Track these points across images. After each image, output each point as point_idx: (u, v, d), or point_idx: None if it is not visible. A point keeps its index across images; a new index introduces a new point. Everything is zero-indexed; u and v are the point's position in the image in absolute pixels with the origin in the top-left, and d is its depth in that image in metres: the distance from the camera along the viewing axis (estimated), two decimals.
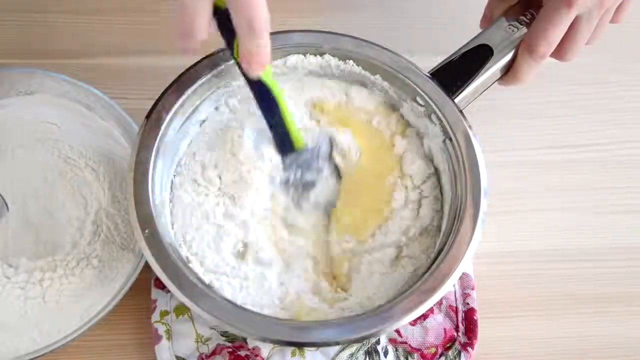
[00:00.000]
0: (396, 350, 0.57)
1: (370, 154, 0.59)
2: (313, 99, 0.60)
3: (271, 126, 0.55)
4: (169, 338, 0.56)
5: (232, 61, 0.54)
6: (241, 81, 0.59)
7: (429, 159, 0.59)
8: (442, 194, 0.58)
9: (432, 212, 0.57)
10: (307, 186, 0.57)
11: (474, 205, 0.53)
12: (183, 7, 0.48)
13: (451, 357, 0.57)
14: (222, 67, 0.57)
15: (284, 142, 0.56)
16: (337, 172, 0.59)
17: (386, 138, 0.60)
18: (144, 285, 0.57)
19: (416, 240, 0.56)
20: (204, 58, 0.57)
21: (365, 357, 0.56)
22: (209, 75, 0.57)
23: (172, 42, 0.67)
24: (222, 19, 0.49)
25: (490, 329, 0.59)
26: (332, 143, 0.58)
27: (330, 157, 0.58)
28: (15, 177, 0.60)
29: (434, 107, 0.57)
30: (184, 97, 0.56)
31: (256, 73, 0.51)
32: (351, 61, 0.59)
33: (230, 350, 0.56)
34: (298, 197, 0.57)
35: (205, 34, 0.49)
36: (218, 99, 0.59)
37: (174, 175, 0.57)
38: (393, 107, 0.60)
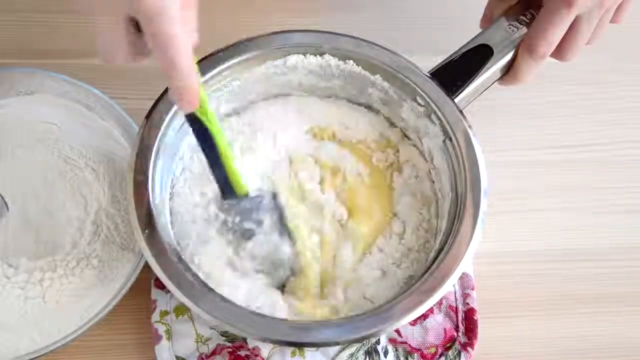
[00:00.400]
0: (396, 350, 0.57)
1: (368, 190, 0.59)
2: (313, 127, 0.61)
3: (210, 165, 0.52)
4: (169, 338, 0.56)
5: (226, 64, 0.54)
6: (241, 81, 0.59)
7: (425, 194, 0.59)
8: (442, 195, 0.58)
9: (418, 239, 0.57)
10: (245, 234, 0.55)
11: (474, 205, 0.53)
12: (99, 36, 0.46)
13: (451, 357, 0.57)
14: (222, 67, 0.57)
15: (224, 185, 0.53)
16: (288, 234, 0.56)
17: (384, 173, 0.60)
18: (144, 285, 0.57)
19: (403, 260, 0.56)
20: (203, 58, 0.57)
21: (365, 357, 0.56)
22: (208, 75, 0.57)
23: None
24: None
25: (490, 329, 0.59)
26: (275, 198, 0.56)
27: (275, 213, 0.56)
28: (15, 177, 0.60)
29: (434, 107, 0.57)
30: None
31: (186, 110, 0.48)
32: (351, 61, 0.59)
33: (230, 350, 0.56)
34: (236, 244, 0.55)
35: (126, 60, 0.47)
36: (218, 99, 0.59)
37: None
38: (388, 137, 0.61)
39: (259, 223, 0.55)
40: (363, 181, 0.59)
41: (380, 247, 0.57)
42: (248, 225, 0.55)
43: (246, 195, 0.54)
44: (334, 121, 0.61)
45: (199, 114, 0.49)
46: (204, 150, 0.51)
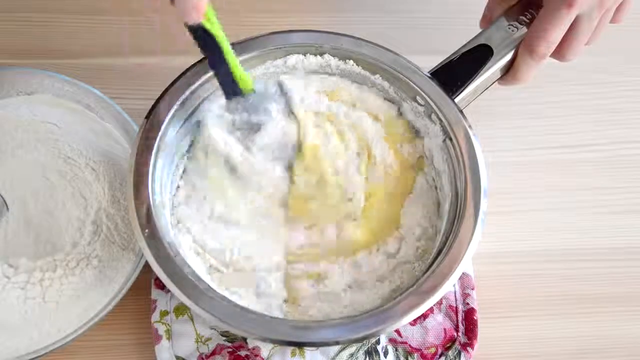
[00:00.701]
0: (396, 350, 0.57)
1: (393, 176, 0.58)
2: (325, 88, 0.61)
3: (216, 70, 0.54)
4: (169, 338, 0.56)
5: None
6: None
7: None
8: (442, 195, 0.58)
9: (416, 250, 0.56)
10: (254, 127, 0.56)
11: (474, 205, 0.53)
12: None
13: (451, 357, 0.57)
14: None
15: (230, 85, 0.55)
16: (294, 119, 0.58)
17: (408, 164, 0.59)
18: (144, 285, 0.57)
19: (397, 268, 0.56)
20: (203, 58, 0.57)
21: (365, 357, 0.56)
22: (208, 75, 0.57)
23: (172, 42, 0.68)
24: None
25: (490, 329, 0.59)
26: (281, 87, 0.58)
27: (280, 100, 0.58)
28: (15, 177, 0.60)
29: (434, 106, 0.57)
30: (183, 97, 0.56)
31: (192, 20, 0.49)
32: (351, 61, 0.59)
33: (230, 350, 0.56)
34: (245, 139, 0.56)
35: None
36: (218, 100, 0.59)
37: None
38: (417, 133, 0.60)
39: (267, 112, 0.56)
40: (388, 176, 0.58)
41: (360, 262, 0.56)
42: (256, 118, 0.56)
43: (252, 91, 0.56)
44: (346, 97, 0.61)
45: (204, 21, 0.50)
46: (207, 54, 0.53)
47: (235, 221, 0.56)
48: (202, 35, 0.51)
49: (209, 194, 0.56)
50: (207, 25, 0.50)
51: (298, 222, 0.56)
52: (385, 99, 0.60)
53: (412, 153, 0.59)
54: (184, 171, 0.58)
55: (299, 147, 0.57)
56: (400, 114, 0.60)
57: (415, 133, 0.60)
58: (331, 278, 0.55)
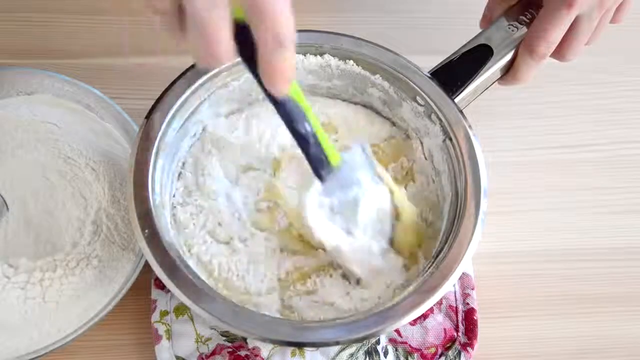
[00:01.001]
0: (396, 350, 0.57)
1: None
2: (324, 123, 0.60)
3: (305, 148, 0.49)
4: (169, 338, 0.56)
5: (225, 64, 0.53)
6: (241, 81, 0.59)
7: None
8: (442, 195, 0.58)
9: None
10: (351, 205, 0.52)
11: (474, 205, 0.53)
12: (202, 24, 0.39)
13: (451, 357, 0.57)
14: (222, 66, 0.57)
15: (321, 162, 0.50)
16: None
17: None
18: (144, 285, 0.57)
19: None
20: None
21: (365, 357, 0.56)
22: (209, 75, 0.57)
23: (173, 42, 0.68)
24: (240, 32, 0.41)
25: (490, 329, 0.59)
26: (364, 150, 0.54)
27: (367, 165, 0.54)
28: (15, 177, 0.60)
29: (434, 107, 0.57)
30: (184, 97, 0.56)
31: (283, 91, 0.42)
32: (351, 61, 0.59)
33: (230, 350, 0.56)
34: (347, 222, 0.53)
35: (232, 52, 0.41)
36: (217, 100, 0.59)
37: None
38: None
39: (359, 183, 0.53)
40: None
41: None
42: (351, 192, 0.52)
43: (341, 162, 0.51)
44: (340, 122, 0.61)
45: (289, 93, 0.46)
46: (294, 131, 0.48)
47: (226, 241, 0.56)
48: (287, 108, 0.47)
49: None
50: (294, 96, 0.46)
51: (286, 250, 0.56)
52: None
53: (399, 171, 0.60)
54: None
55: (397, 216, 0.55)
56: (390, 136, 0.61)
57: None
58: (323, 290, 0.54)
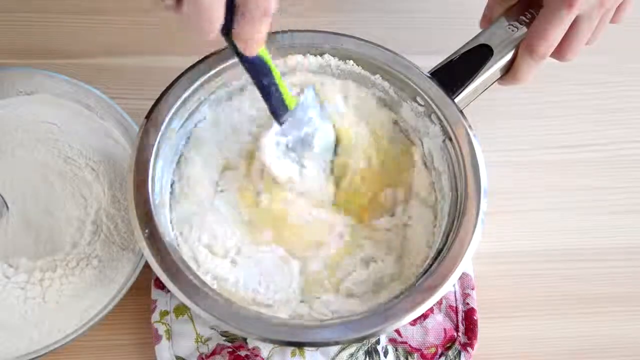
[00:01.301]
0: (396, 350, 0.57)
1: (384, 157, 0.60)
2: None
3: (267, 97, 0.54)
4: (169, 338, 0.56)
5: (226, 64, 0.55)
6: (241, 81, 0.59)
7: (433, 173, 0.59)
8: (442, 195, 0.58)
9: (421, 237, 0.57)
10: (306, 142, 0.57)
11: (474, 205, 0.53)
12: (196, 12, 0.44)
13: (451, 357, 0.57)
14: (222, 66, 0.57)
15: (281, 107, 0.55)
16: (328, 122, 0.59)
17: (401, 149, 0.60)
18: (144, 285, 0.57)
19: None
20: (204, 58, 0.57)
21: (365, 357, 0.56)
22: (209, 75, 0.57)
23: (172, 42, 0.68)
24: None
25: (490, 329, 0.59)
26: (315, 92, 0.58)
27: (317, 105, 0.58)
28: (15, 177, 0.60)
29: (434, 107, 0.57)
30: (184, 97, 0.56)
31: (254, 52, 0.49)
32: (351, 61, 0.59)
33: (230, 350, 0.56)
34: (301, 158, 0.57)
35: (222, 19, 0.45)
36: (217, 100, 0.59)
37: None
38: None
39: (311, 121, 0.57)
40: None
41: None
42: (304, 130, 0.57)
43: (296, 104, 0.56)
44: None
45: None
46: (259, 82, 0.53)
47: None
48: (255, 64, 0.51)
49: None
50: (262, 54, 0.51)
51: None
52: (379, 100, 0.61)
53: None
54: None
55: (336, 142, 0.59)
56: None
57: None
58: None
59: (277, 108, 0.55)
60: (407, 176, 0.59)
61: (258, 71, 0.52)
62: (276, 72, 0.53)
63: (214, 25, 0.45)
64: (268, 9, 0.45)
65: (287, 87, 0.55)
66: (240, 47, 0.48)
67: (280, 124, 0.56)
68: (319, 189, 0.58)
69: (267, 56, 0.51)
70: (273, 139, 0.56)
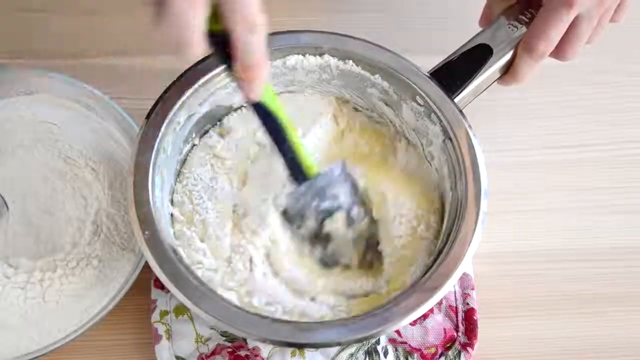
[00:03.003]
0: (396, 350, 0.57)
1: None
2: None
3: (279, 152, 0.53)
4: (169, 338, 0.56)
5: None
6: None
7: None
8: (442, 196, 0.58)
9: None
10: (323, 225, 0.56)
11: (474, 205, 0.53)
12: (172, 17, 0.43)
13: (451, 357, 0.57)
14: (222, 67, 0.57)
15: (295, 169, 0.54)
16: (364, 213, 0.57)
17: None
18: (144, 285, 0.57)
19: None
20: (204, 58, 0.57)
21: (365, 357, 0.56)
22: (209, 75, 0.57)
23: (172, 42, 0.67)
24: (218, 42, 0.45)
25: (490, 329, 0.59)
26: (345, 169, 0.57)
27: (348, 183, 0.57)
28: (15, 177, 0.60)
29: (434, 107, 0.57)
30: (184, 97, 0.56)
31: (256, 92, 0.48)
32: (351, 61, 0.59)
33: (230, 350, 0.56)
34: (314, 249, 0.56)
35: (202, 40, 0.44)
36: (218, 100, 0.59)
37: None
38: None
39: (335, 198, 0.55)
40: None
41: None
42: (325, 204, 0.55)
43: (317, 174, 0.54)
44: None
45: (265, 100, 0.50)
46: (271, 135, 0.52)
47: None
48: (264, 115, 0.51)
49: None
50: (270, 104, 0.50)
51: None
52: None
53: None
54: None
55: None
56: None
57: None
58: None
59: (291, 170, 0.54)
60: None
61: (267, 123, 0.51)
62: (290, 131, 0.52)
63: (193, 31, 0.43)
64: (251, 20, 0.44)
65: (306, 152, 0.53)
66: (243, 87, 0.48)
67: (296, 184, 0.55)
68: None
69: (277, 110, 0.51)
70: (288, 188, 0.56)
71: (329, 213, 0.56)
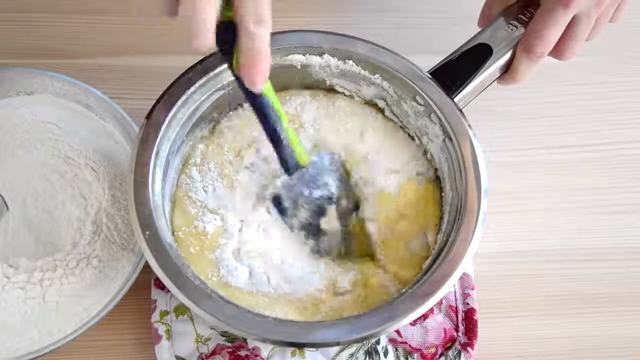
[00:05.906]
0: (396, 350, 0.57)
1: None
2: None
3: (274, 143, 0.53)
4: (169, 338, 0.56)
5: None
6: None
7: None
8: (442, 196, 0.58)
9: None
10: (319, 210, 0.57)
11: (474, 205, 0.53)
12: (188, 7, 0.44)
13: (451, 357, 0.57)
14: (223, 67, 0.57)
15: (288, 159, 0.54)
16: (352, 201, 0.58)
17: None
18: (144, 285, 0.57)
19: None
20: (204, 58, 0.57)
21: (365, 357, 0.56)
22: (209, 76, 0.57)
23: (173, 42, 0.68)
24: (222, 31, 0.46)
25: (490, 329, 0.59)
26: (333, 157, 0.58)
27: (336, 173, 0.58)
28: (15, 177, 0.60)
29: (434, 106, 0.57)
30: (184, 97, 0.56)
31: (258, 84, 0.48)
32: (351, 61, 0.59)
33: (230, 350, 0.56)
34: (309, 238, 0.57)
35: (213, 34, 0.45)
36: (218, 100, 0.59)
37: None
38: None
39: (325, 185, 0.57)
40: None
41: None
42: (319, 192, 0.57)
43: (308, 164, 0.56)
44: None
45: (264, 91, 0.50)
46: (266, 128, 0.52)
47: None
48: (261, 105, 0.51)
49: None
50: (269, 96, 0.50)
51: None
52: None
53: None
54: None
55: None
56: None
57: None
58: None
59: (284, 160, 0.54)
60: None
61: (264, 114, 0.51)
62: (285, 122, 0.52)
63: (208, 28, 0.44)
64: (261, 15, 0.45)
65: (299, 143, 0.54)
66: (243, 77, 0.48)
67: (289, 174, 0.56)
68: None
69: (275, 101, 0.51)
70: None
71: (320, 208, 0.57)
